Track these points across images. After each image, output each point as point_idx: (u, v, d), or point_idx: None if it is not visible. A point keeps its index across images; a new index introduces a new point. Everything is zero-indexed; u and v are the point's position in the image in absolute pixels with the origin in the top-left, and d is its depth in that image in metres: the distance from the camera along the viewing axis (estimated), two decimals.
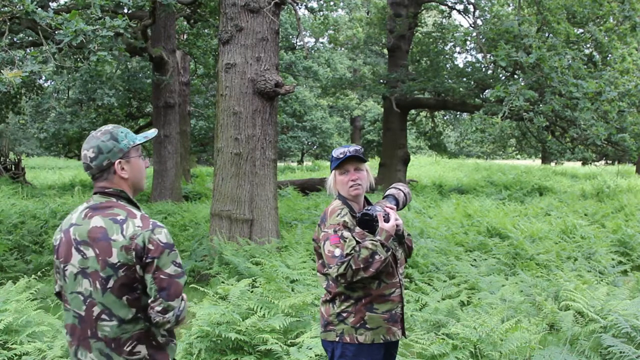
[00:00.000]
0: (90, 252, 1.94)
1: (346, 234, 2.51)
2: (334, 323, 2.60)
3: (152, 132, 2.16)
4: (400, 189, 2.80)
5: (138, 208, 2.05)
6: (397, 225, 2.57)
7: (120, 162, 2.02)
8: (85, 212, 2.00)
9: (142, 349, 1.97)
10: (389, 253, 2.49)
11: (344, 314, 2.57)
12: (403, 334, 2.67)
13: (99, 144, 2.00)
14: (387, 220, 2.50)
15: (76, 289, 1.98)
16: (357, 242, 2.49)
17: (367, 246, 2.45)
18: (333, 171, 2.68)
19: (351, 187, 2.61)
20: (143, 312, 1.96)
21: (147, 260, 1.91)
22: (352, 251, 2.46)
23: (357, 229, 2.53)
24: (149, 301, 1.93)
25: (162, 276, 1.91)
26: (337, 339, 2.59)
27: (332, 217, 2.58)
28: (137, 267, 1.92)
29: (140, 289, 1.95)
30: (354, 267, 2.44)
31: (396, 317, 2.62)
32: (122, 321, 1.94)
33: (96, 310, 1.94)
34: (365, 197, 2.75)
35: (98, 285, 1.93)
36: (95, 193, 2.04)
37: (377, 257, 2.44)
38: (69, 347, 2.05)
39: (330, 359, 2.64)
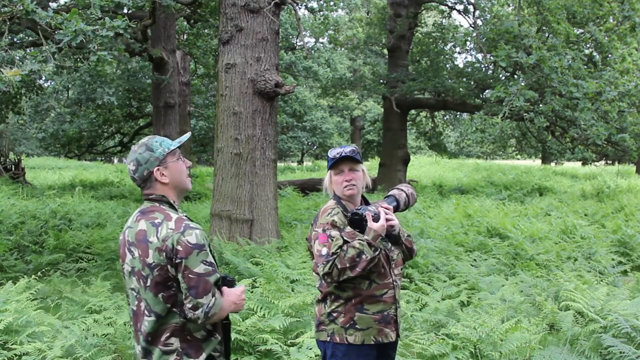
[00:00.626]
0: (136, 253, 2.11)
1: (334, 233, 2.51)
2: (325, 323, 2.59)
3: (185, 137, 2.28)
4: (402, 190, 2.78)
5: (176, 211, 2.18)
6: (391, 226, 2.55)
7: (158, 169, 2.15)
8: (136, 216, 2.18)
9: (175, 342, 2.09)
10: (377, 253, 2.47)
11: (334, 314, 2.57)
12: (397, 336, 2.64)
13: (137, 157, 2.15)
14: (376, 219, 2.48)
15: (130, 285, 2.17)
16: (346, 242, 2.48)
17: (354, 245, 2.44)
18: (329, 171, 2.69)
19: (345, 187, 2.62)
20: (179, 307, 2.08)
21: (177, 261, 2.03)
22: (339, 250, 2.46)
23: (348, 229, 2.52)
24: (183, 298, 2.06)
25: (190, 275, 2.02)
26: (328, 339, 2.58)
27: (323, 216, 2.59)
28: (169, 267, 2.04)
29: (175, 287, 2.07)
30: (339, 266, 2.43)
31: (389, 318, 2.59)
32: (159, 316, 2.08)
33: (142, 305, 2.12)
34: (363, 197, 2.74)
35: (142, 283, 2.10)
36: (145, 200, 2.21)
37: (363, 256, 2.42)
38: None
39: (323, 359, 2.64)
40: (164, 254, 2.03)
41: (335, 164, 2.63)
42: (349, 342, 2.54)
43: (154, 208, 2.15)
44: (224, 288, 2.20)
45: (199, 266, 2.03)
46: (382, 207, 2.57)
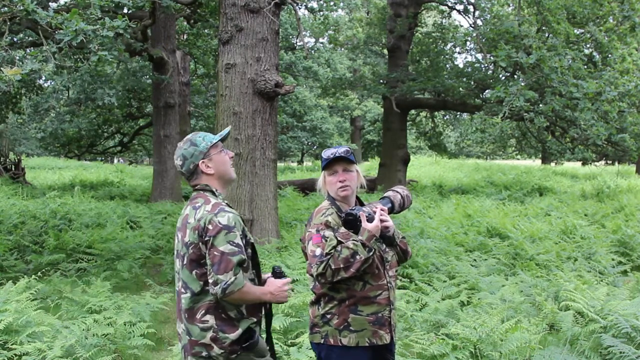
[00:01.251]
0: (180, 236, 2.31)
1: (328, 233, 2.50)
2: (319, 325, 2.57)
3: (226, 130, 2.44)
4: (397, 192, 2.78)
5: (217, 198, 2.34)
6: (385, 227, 2.54)
7: (203, 162, 2.33)
8: (186, 205, 2.37)
9: (211, 319, 2.22)
10: (372, 254, 2.45)
11: (328, 316, 2.55)
12: (392, 338, 2.62)
13: (183, 152, 2.35)
14: (370, 220, 2.47)
15: (175, 268, 2.35)
16: (339, 242, 2.47)
17: (348, 246, 2.42)
18: (323, 172, 2.68)
19: (339, 187, 2.61)
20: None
21: (206, 239, 2.19)
22: (333, 251, 2.45)
23: (342, 229, 2.51)
24: (208, 274, 2.19)
25: (215, 252, 2.16)
26: (322, 341, 2.56)
27: (317, 216, 2.58)
28: (201, 244, 2.20)
29: (207, 265, 2.21)
30: (333, 267, 2.42)
31: (383, 320, 2.57)
32: (194, 293, 2.23)
33: (180, 284, 2.28)
34: (358, 198, 2.73)
35: (180, 263, 2.28)
36: (193, 190, 2.39)
37: (357, 257, 2.41)
38: None
39: None
40: (197, 232, 2.20)
41: (329, 165, 2.62)
42: (343, 344, 2.52)
43: (198, 195, 2.33)
44: (269, 278, 2.34)
45: (224, 245, 2.16)
46: (376, 208, 2.55)
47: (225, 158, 2.39)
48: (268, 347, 2.42)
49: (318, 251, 2.47)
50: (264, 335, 2.42)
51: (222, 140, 2.42)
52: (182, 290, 2.26)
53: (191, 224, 2.23)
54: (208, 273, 2.17)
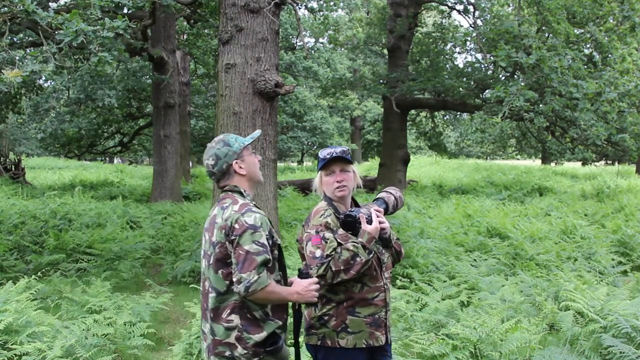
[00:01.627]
0: (207, 236, 2.33)
1: (328, 235, 2.50)
2: (316, 326, 2.57)
3: (256, 133, 2.48)
4: (391, 193, 2.77)
5: (244, 198, 2.36)
6: (382, 229, 2.53)
7: (236, 162, 2.37)
8: (214, 205, 2.40)
9: (236, 319, 2.23)
10: (372, 256, 2.45)
11: (326, 317, 2.54)
12: (387, 339, 2.62)
13: (216, 151, 2.36)
14: (370, 222, 2.46)
15: (201, 269, 2.37)
16: (339, 244, 2.46)
17: (349, 248, 2.42)
18: (319, 172, 2.66)
19: (336, 188, 2.60)
20: None
21: (232, 238, 2.20)
22: (333, 252, 2.44)
23: (340, 231, 2.50)
24: (233, 273, 2.21)
25: (240, 251, 2.18)
26: (318, 343, 2.56)
27: (315, 218, 2.57)
28: (227, 244, 2.22)
29: (233, 264, 2.22)
30: (334, 269, 2.42)
31: (379, 321, 2.57)
32: (219, 293, 2.24)
33: (207, 284, 2.30)
34: (353, 199, 2.73)
35: (207, 262, 2.30)
36: (221, 192, 2.42)
37: (358, 259, 2.41)
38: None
39: None
40: (224, 231, 2.22)
41: (326, 165, 2.61)
42: (341, 346, 2.51)
43: (226, 196, 2.35)
44: (295, 279, 2.35)
45: (249, 244, 2.17)
46: (373, 209, 2.55)
47: (256, 160, 2.44)
48: (294, 351, 2.44)
49: (318, 253, 2.46)
50: (291, 339, 2.43)
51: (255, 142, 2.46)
52: (209, 290, 2.27)
53: (219, 224, 2.26)
54: (233, 272, 2.19)
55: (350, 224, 2.46)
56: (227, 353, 2.23)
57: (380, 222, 2.51)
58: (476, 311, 4.67)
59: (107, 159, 34.69)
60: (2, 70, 5.19)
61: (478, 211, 10.68)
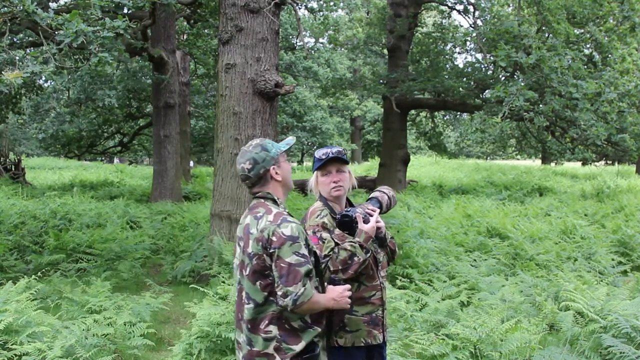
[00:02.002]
0: (242, 246, 2.31)
1: (325, 235, 2.51)
2: None
3: (291, 140, 2.46)
4: (384, 192, 2.79)
5: (278, 206, 2.33)
6: (378, 228, 2.55)
7: (274, 167, 2.33)
8: (246, 213, 2.37)
9: (274, 329, 2.21)
10: (369, 255, 2.47)
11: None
12: (384, 337, 2.64)
13: (254, 156, 2.31)
14: (366, 221, 2.48)
15: (235, 278, 2.37)
16: (337, 244, 2.48)
17: (346, 248, 2.43)
18: (315, 172, 2.67)
19: (333, 188, 2.62)
20: (275, 296, 2.20)
21: (271, 251, 2.18)
22: (331, 252, 2.46)
23: (337, 231, 2.52)
24: (275, 286, 2.19)
25: (282, 264, 2.15)
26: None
27: (311, 218, 2.59)
28: (265, 256, 2.19)
29: (272, 276, 2.21)
30: (332, 269, 2.44)
31: (377, 320, 2.59)
32: (257, 304, 2.22)
33: (243, 295, 2.28)
34: (347, 199, 2.75)
35: (242, 273, 2.29)
36: (253, 198, 2.39)
37: (355, 258, 2.42)
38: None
39: None
40: (261, 243, 2.19)
41: (323, 165, 2.62)
42: (339, 345, 2.53)
43: (259, 204, 2.32)
44: (329, 286, 2.33)
45: (290, 256, 2.15)
46: (368, 209, 2.56)
47: (290, 167, 2.42)
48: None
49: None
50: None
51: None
52: (245, 300, 2.25)
53: (254, 235, 2.22)
54: (276, 285, 2.17)
55: (347, 224, 2.47)
56: None
57: (375, 222, 2.52)
58: (476, 311, 4.67)
59: (105, 159, 34.68)
60: (2, 72, 5.19)
61: (478, 211, 10.68)
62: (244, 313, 2.26)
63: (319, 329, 2.28)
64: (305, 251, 2.19)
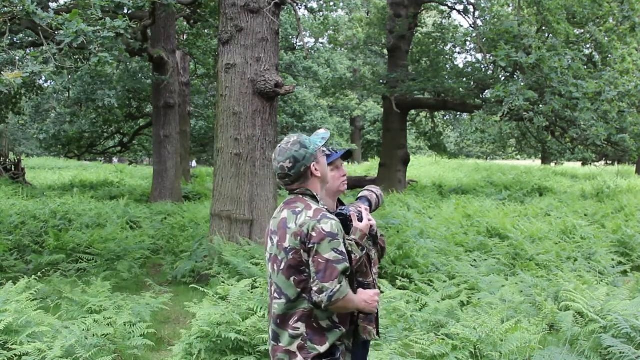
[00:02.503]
0: (275, 239, 2.29)
1: None
2: None
3: (326, 133, 2.43)
4: (372, 191, 2.85)
5: (317, 202, 2.31)
6: (370, 226, 2.59)
7: (314, 164, 2.32)
8: (281, 207, 2.35)
9: (302, 327, 2.20)
10: (364, 252, 2.50)
11: None
12: (377, 333, 2.67)
13: (294, 154, 2.28)
14: (360, 220, 2.51)
15: (267, 272, 2.36)
16: None
17: None
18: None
19: (342, 182, 2.68)
20: (308, 293, 2.20)
21: (309, 246, 2.16)
22: None
23: None
24: (311, 282, 2.18)
25: (320, 260, 2.15)
26: None
27: None
28: (302, 251, 2.18)
29: (307, 272, 2.20)
30: None
31: (371, 316, 2.62)
32: (289, 300, 2.21)
33: (273, 289, 2.28)
34: (338, 199, 2.78)
35: (275, 267, 2.27)
36: (289, 194, 2.37)
37: (352, 256, 2.43)
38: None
39: None
40: (299, 238, 2.17)
41: (334, 160, 2.66)
42: None
43: (297, 199, 2.31)
44: (359, 289, 2.34)
45: (329, 253, 2.15)
46: (360, 207, 2.60)
47: (325, 161, 2.43)
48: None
49: None
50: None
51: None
52: (276, 295, 2.24)
53: (292, 229, 2.20)
54: (312, 280, 2.16)
55: (342, 222, 2.48)
56: None
57: (369, 220, 2.55)
58: (476, 311, 4.67)
59: (105, 159, 34.68)
60: (2, 72, 5.19)
61: (478, 211, 10.68)
62: (273, 308, 2.25)
63: (344, 330, 2.28)
64: (343, 249, 2.19)
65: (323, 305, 2.15)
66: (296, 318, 2.20)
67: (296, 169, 2.28)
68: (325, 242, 2.14)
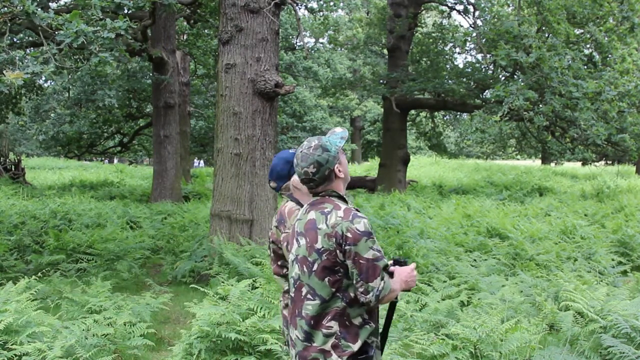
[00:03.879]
0: (302, 241, 2.27)
1: None
2: None
3: (344, 132, 2.40)
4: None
5: (345, 202, 2.30)
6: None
7: (337, 166, 2.30)
8: (306, 209, 2.34)
9: (335, 326, 2.20)
10: None
11: None
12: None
13: (317, 158, 2.27)
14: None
15: (291, 274, 2.34)
16: None
17: None
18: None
19: None
20: (342, 292, 2.20)
21: (346, 247, 2.15)
22: None
23: None
24: (354, 283, 2.17)
25: (361, 261, 2.14)
26: None
27: (291, 218, 2.61)
28: (337, 252, 2.17)
29: (341, 272, 2.19)
30: None
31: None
32: (323, 300, 2.21)
33: (304, 291, 2.25)
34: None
35: (306, 269, 2.24)
36: (314, 195, 2.35)
37: None
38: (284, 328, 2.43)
39: None
40: (334, 239, 2.16)
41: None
42: None
43: (324, 200, 2.29)
44: (396, 268, 2.32)
45: (368, 252, 2.15)
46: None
47: (346, 160, 2.39)
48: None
49: None
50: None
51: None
52: (309, 296, 2.24)
53: (323, 230, 2.19)
54: (355, 281, 2.16)
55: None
56: None
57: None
58: (476, 311, 4.67)
59: (104, 159, 34.68)
60: (3, 72, 5.19)
61: (478, 211, 10.68)
62: (305, 309, 2.24)
63: (374, 326, 2.29)
64: (378, 245, 2.19)
65: (372, 305, 2.17)
66: (329, 317, 2.20)
67: (320, 173, 2.27)
68: (362, 242, 2.14)
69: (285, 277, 2.67)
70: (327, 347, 2.20)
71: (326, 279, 2.20)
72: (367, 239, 2.15)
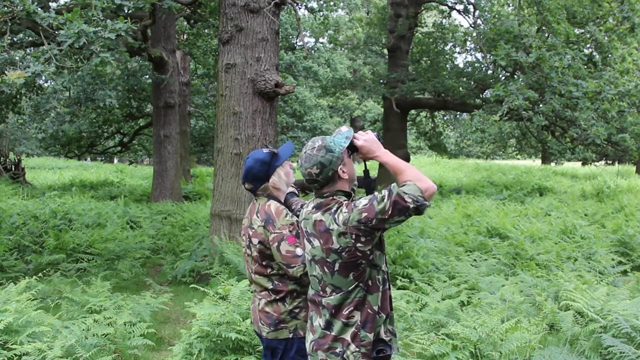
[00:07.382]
0: (316, 242, 2.29)
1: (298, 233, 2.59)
2: (286, 320, 2.63)
3: (349, 132, 2.37)
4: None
5: (349, 198, 2.31)
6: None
7: (341, 167, 2.30)
8: (312, 210, 2.34)
9: (357, 315, 2.24)
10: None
11: (296, 310, 2.63)
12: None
13: (320, 159, 2.27)
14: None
15: (312, 272, 2.36)
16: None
17: None
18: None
19: (292, 176, 2.82)
20: (364, 282, 2.23)
21: (371, 224, 2.14)
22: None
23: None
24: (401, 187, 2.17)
25: (394, 204, 2.12)
26: (290, 335, 2.62)
27: (281, 218, 2.62)
28: (357, 245, 2.18)
29: (364, 263, 2.22)
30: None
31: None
32: (347, 292, 2.24)
33: (328, 290, 2.28)
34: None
35: (327, 270, 2.26)
36: (317, 196, 2.36)
37: None
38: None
39: (281, 357, 2.66)
40: (352, 235, 2.17)
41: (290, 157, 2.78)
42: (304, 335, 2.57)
43: (328, 201, 2.30)
44: (360, 133, 2.35)
45: (386, 201, 2.12)
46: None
47: (351, 160, 2.39)
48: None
49: (299, 251, 2.54)
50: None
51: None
52: (334, 293, 2.26)
53: (336, 230, 2.20)
54: (401, 187, 2.15)
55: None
56: (339, 350, 2.24)
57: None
58: (476, 311, 4.67)
59: (104, 159, 34.67)
60: (5, 72, 5.19)
61: (478, 211, 10.69)
62: (327, 299, 2.27)
63: (384, 316, 2.31)
64: (383, 192, 2.19)
65: (424, 203, 2.14)
66: (351, 307, 2.23)
67: (324, 174, 2.27)
68: (377, 206, 2.11)
69: (268, 277, 2.65)
70: (347, 336, 2.22)
71: (350, 275, 2.22)
72: (374, 202, 2.12)
